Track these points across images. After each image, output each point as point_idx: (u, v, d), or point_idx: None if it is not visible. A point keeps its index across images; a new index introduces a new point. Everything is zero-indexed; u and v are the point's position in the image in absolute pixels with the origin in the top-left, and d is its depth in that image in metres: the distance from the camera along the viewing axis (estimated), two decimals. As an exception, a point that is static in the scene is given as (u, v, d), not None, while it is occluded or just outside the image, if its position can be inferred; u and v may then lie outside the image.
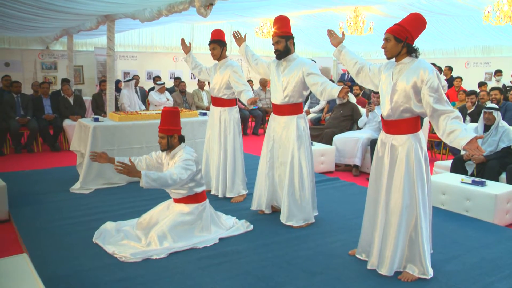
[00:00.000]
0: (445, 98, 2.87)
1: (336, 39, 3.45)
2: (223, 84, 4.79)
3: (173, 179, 3.34)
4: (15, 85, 7.83)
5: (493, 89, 6.88)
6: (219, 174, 4.82)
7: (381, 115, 3.15)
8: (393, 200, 3.01)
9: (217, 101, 4.90)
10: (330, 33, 3.48)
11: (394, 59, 3.01)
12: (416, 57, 2.95)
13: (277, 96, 4.09)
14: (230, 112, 4.86)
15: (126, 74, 12.58)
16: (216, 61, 4.91)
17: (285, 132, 4.08)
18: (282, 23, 4.02)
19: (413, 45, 2.94)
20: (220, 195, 4.82)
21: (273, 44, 4.05)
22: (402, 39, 2.89)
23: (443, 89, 3.02)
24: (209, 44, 4.81)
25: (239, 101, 4.98)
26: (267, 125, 4.49)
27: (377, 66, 3.21)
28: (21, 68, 11.40)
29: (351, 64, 3.31)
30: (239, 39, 4.48)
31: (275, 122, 4.16)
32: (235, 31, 4.55)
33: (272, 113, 4.24)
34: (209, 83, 5.22)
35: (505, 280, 3.09)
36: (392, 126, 3.03)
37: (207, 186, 4.86)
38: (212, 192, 4.88)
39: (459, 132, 2.78)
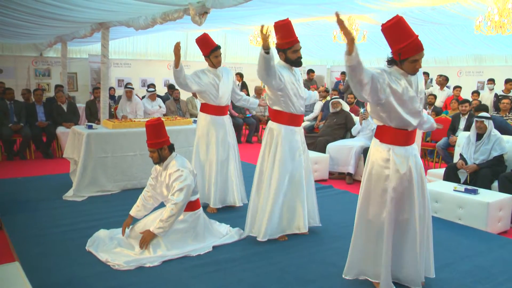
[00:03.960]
0: None
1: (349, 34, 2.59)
2: (230, 91, 4.72)
3: (177, 208, 3.44)
4: (8, 92, 7.80)
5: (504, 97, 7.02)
6: (236, 183, 4.72)
7: (403, 130, 2.86)
8: (425, 213, 2.94)
9: (225, 110, 4.74)
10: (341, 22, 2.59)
11: (389, 67, 2.86)
12: None
13: (301, 105, 3.88)
14: (231, 118, 4.85)
15: (120, 81, 12.58)
16: (211, 68, 4.65)
17: (304, 142, 4.01)
18: (291, 28, 3.69)
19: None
20: (239, 204, 4.69)
21: (295, 51, 3.73)
22: None
23: None
24: (217, 50, 4.57)
25: (232, 109, 4.96)
26: (263, 133, 4.23)
27: (379, 75, 2.77)
28: (14, 75, 11.37)
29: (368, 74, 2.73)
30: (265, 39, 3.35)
31: (298, 134, 3.91)
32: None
33: (291, 126, 3.85)
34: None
35: (497, 288, 3.11)
36: (415, 135, 2.97)
37: (220, 201, 4.70)
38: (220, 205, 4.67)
39: None
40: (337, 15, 2.57)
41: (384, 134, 2.89)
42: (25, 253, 3.54)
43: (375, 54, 14.47)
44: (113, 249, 3.54)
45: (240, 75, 12.60)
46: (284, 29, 3.68)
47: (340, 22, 2.55)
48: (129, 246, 3.58)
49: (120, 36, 10.29)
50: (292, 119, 3.83)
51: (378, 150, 2.90)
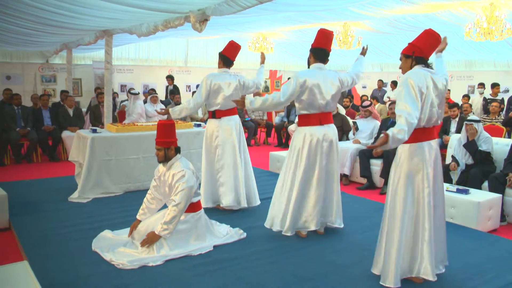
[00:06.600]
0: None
1: None
2: None
3: (179, 209, 3.54)
4: (15, 98, 7.96)
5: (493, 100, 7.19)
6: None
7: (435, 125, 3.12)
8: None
9: None
10: None
11: (424, 68, 3.11)
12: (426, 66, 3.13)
13: None
14: None
15: (123, 86, 12.74)
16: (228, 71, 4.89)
17: None
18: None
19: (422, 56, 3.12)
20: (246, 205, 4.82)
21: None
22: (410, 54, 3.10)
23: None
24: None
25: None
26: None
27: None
28: (22, 81, 11.54)
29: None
30: None
31: None
32: None
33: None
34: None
35: (487, 284, 3.21)
36: None
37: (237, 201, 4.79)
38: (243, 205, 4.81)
39: None
40: None
41: None
42: (32, 252, 3.63)
43: (370, 59, 14.58)
44: (117, 248, 3.62)
45: (171, 78, 11.63)
46: (331, 39, 4.09)
47: None
48: (133, 246, 3.67)
49: (123, 42, 10.41)
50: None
51: None
